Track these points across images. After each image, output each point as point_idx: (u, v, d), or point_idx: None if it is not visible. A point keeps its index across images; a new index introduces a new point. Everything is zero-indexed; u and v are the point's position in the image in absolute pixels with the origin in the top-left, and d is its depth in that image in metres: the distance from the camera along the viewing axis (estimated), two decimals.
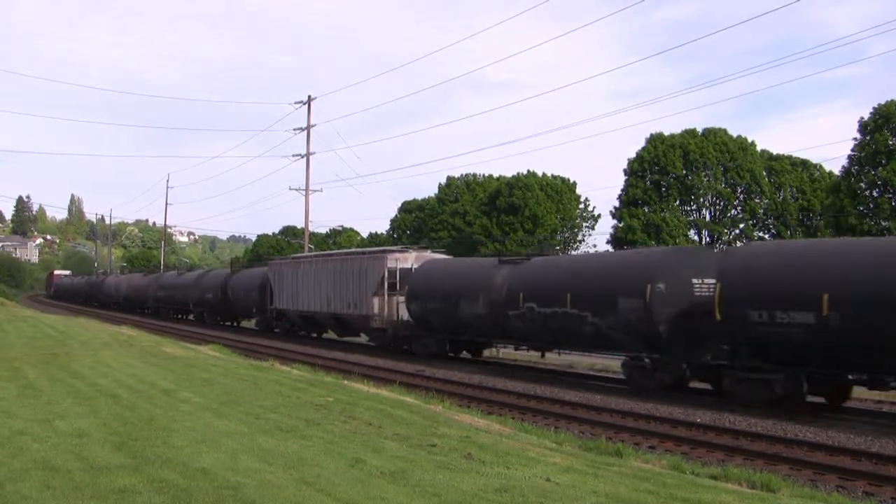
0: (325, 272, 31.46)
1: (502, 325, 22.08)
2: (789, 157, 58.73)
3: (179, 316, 54.30)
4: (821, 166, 57.67)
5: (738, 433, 13.83)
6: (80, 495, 6.74)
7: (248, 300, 39.92)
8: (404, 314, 26.85)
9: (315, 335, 36.37)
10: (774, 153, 59.42)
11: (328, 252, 39.07)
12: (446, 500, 6.94)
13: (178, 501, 6.61)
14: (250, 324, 44.48)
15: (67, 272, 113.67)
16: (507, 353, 27.58)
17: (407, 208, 75.39)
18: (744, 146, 55.74)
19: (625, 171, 57.28)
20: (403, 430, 10.57)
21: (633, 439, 13.57)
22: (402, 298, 26.82)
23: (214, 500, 6.64)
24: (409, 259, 28.16)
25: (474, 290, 23.15)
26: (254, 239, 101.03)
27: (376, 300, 27.79)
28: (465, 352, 26.66)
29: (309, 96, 48.04)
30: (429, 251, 30.59)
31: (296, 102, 48.39)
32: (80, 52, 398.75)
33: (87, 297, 78.85)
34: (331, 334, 35.43)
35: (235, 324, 46.68)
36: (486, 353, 27.42)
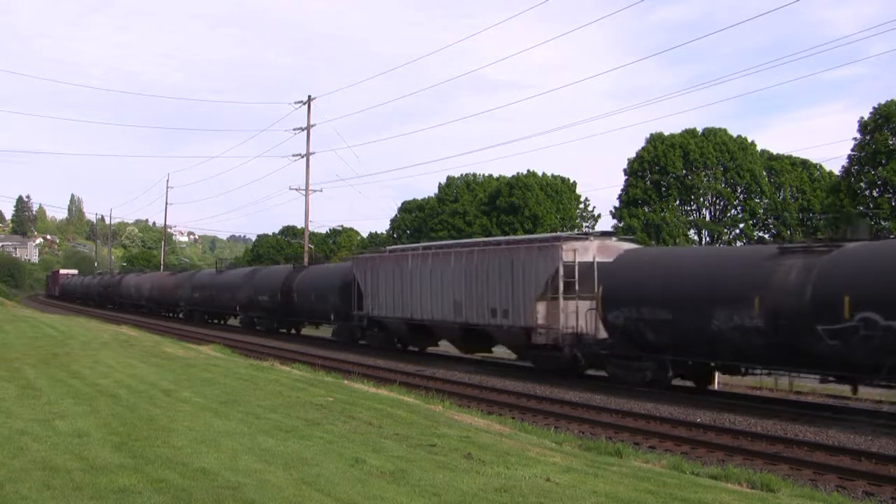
0: (452, 269, 23.73)
1: (800, 346, 15.08)
2: (789, 157, 58.74)
3: (217, 321, 48.23)
4: (821, 166, 57.72)
5: (738, 433, 13.83)
6: (80, 495, 6.74)
7: (322, 304, 32.77)
8: (590, 326, 19.77)
9: (417, 349, 28.65)
10: (774, 153, 59.44)
11: (454, 242, 29.38)
12: (446, 499, 6.94)
13: (178, 501, 6.61)
14: (316, 332, 38.37)
15: (74, 271, 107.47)
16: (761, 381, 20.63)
17: (407, 208, 75.35)
18: (744, 146, 55.73)
19: (625, 170, 57.31)
20: (403, 429, 10.57)
21: (633, 439, 13.57)
22: (585, 304, 19.88)
23: (214, 500, 6.64)
24: (589, 250, 20.55)
25: (741, 293, 15.76)
26: (254, 239, 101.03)
27: (542, 306, 20.35)
28: (683, 378, 19.26)
29: (309, 96, 48.09)
30: (613, 238, 22.86)
31: (296, 102, 48.46)
32: (80, 52, 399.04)
33: (100, 299, 73.41)
34: (444, 347, 29.42)
35: (294, 331, 39.40)
36: (724, 380, 20.66)
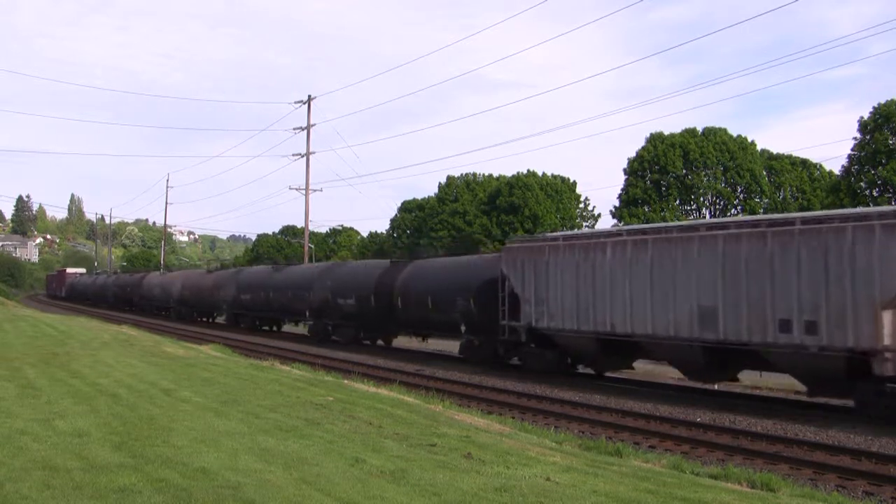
0: (696, 260, 16.81)
1: None
2: (789, 157, 58.77)
3: (269, 328, 41.49)
4: (821, 166, 57.74)
5: (738, 433, 13.83)
6: (80, 495, 6.73)
7: (446, 312, 24.63)
8: None
9: (595, 372, 21.68)
10: (774, 153, 59.48)
11: (695, 223, 20.92)
12: (446, 499, 6.93)
13: (178, 501, 6.61)
14: (416, 344, 31.33)
15: (81, 270, 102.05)
16: None
17: (407, 208, 75.36)
18: (744, 146, 55.75)
19: (625, 170, 57.32)
20: (403, 429, 10.57)
21: (632, 439, 13.57)
22: None
23: (214, 500, 6.64)
24: None
25: None
26: (254, 238, 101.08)
27: (891, 317, 13.83)
28: None
29: (309, 96, 48.12)
30: None
31: (296, 102, 48.53)
32: (80, 52, 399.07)
33: (117, 301, 67.14)
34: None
35: (377, 343, 31.96)
36: None
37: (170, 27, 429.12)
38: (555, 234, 25.40)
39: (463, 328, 24.34)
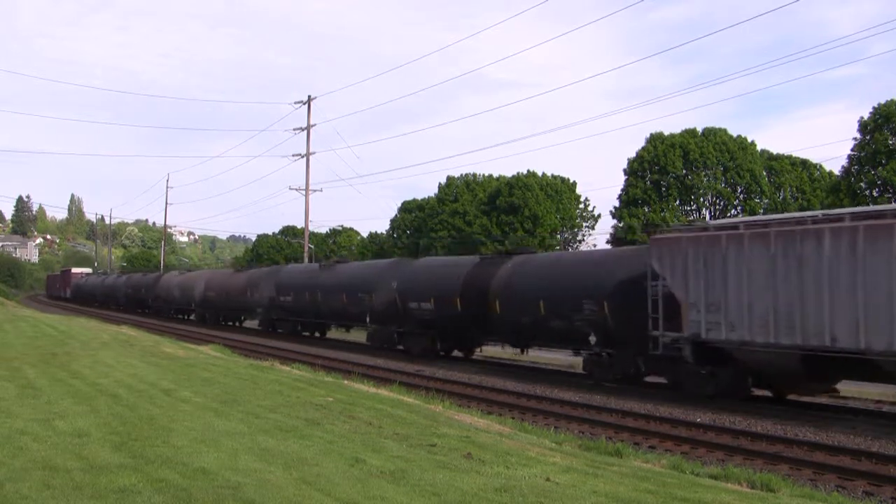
0: None
1: None
2: (789, 157, 58.76)
3: (314, 334, 37.13)
4: (821, 166, 57.74)
5: (738, 433, 13.83)
6: (80, 495, 6.73)
7: (566, 318, 20.31)
8: None
9: (776, 395, 17.97)
10: (774, 153, 59.47)
11: None
12: (446, 499, 6.93)
13: (178, 501, 6.61)
14: (512, 357, 27.35)
15: (87, 270, 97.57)
16: None
17: (407, 208, 75.35)
18: (744, 146, 55.74)
19: (625, 170, 57.30)
20: (403, 429, 10.57)
21: (632, 439, 13.57)
22: None
23: (214, 500, 6.64)
24: None
25: None
26: (254, 239, 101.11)
27: None
28: None
29: (309, 96, 48.15)
30: None
31: (296, 102, 48.54)
32: (80, 52, 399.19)
33: (129, 302, 62.87)
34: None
35: (451, 354, 27.41)
36: None
37: (170, 27, 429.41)
38: (732, 220, 21.92)
39: (592, 339, 19.70)
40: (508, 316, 22.30)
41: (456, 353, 27.68)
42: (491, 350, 28.48)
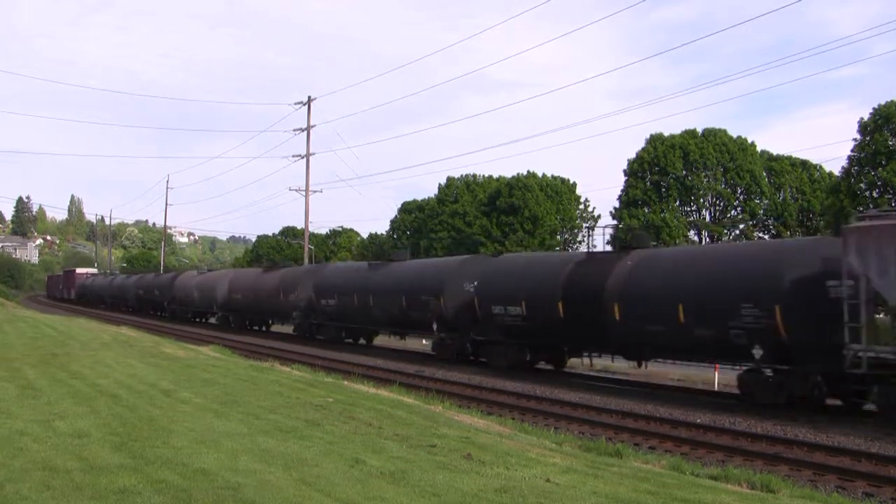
0: None
1: None
2: (789, 158, 58.79)
3: (351, 340, 32.59)
4: (821, 167, 57.77)
5: (738, 434, 13.83)
6: (80, 495, 6.73)
7: (717, 326, 16.63)
8: None
9: None
10: (774, 153, 59.50)
11: None
12: (446, 500, 6.93)
13: (178, 502, 6.61)
14: (622, 371, 23.79)
15: (93, 270, 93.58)
16: None
17: (407, 209, 75.37)
18: (744, 146, 55.77)
19: (625, 171, 57.32)
20: (403, 430, 10.57)
21: (633, 440, 13.57)
22: None
23: (214, 501, 6.64)
24: None
25: None
26: (254, 239, 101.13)
27: None
28: None
29: (309, 97, 48.15)
30: None
31: (296, 103, 48.51)
32: (80, 52, 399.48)
33: (140, 304, 59.26)
34: None
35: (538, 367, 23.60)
36: None
37: (170, 27, 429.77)
38: None
39: (757, 352, 16.03)
40: (631, 323, 18.48)
41: (542, 365, 23.69)
42: (579, 362, 23.99)
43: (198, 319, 50.16)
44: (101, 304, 71.27)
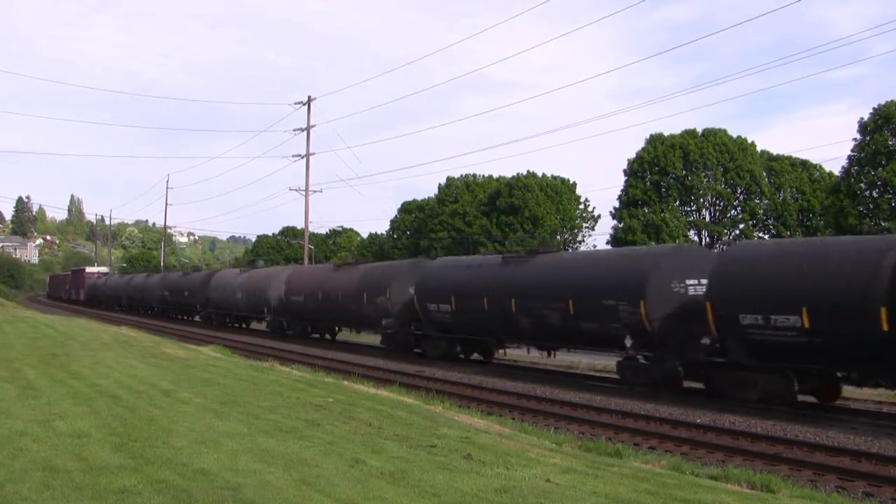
0: None
1: None
2: (789, 158, 58.80)
3: (465, 357, 25.57)
4: (821, 167, 57.79)
5: (738, 434, 13.82)
6: (80, 496, 6.73)
7: None
8: None
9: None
10: (774, 153, 59.51)
11: None
12: (446, 500, 6.93)
13: (178, 502, 6.61)
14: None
15: (104, 269, 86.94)
16: None
17: (407, 209, 75.39)
18: (744, 146, 55.78)
19: (625, 171, 57.32)
20: (403, 430, 10.57)
21: (633, 440, 13.57)
22: None
23: (214, 501, 6.64)
24: None
25: None
26: (254, 239, 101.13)
27: None
28: None
29: (309, 97, 48.14)
30: None
31: (296, 103, 48.48)
32: (80, 52, 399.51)
33: (167, 308, 54.01)
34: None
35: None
36: None
37: (170, 27, 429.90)
38: None
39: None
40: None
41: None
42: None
43: (236, 325, 44.12)
44: (117, 306, 65.76)
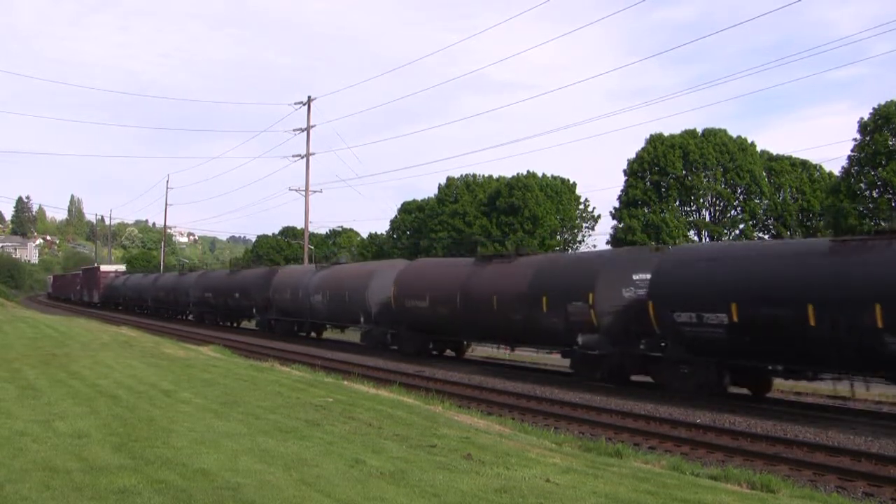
0: None
1: None
2: (789, 158, 58.84)
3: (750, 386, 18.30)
4: (821, 167, 57.84)
5: (738, 434, 13.82)
6: (80, 496, 6.73)
7: None
8: None
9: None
10: (774, 153, 59.54)
11: None
12: (446, 500, 6.93)
13: (177, 502, 6.61)
14: None
15: (121, 267, 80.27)
16: None
17: (407, 209, 75.43)
18: (743, 147, 55.81)
19: (625, 171, 57.36)
20: (403, 430, 10.56)
21: (633, 440, 13.57)
22: None
23: (214, 501, 6.64)
24: None
25: None
26: (254, 240, 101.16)
27: None
28: None
29: (309, 97, 48.14)
30: None
31: (296, 103, 48.49)
32: (81, 53, 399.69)
33: (206, 311, 46.37)
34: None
35: None
36: None
37: (170, 27, 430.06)
38: None
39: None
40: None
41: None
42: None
43: (301, 334, 36.14)
44: (140, 309, 58.91)
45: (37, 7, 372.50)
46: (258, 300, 38.40)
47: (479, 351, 29.29)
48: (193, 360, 19.62)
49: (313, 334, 36.36)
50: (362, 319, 29.73)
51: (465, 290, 24.12)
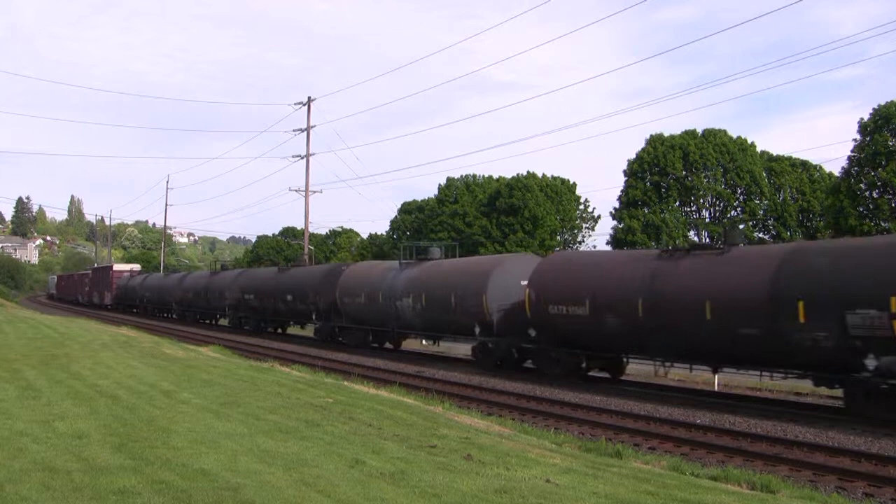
0: None
1: None
2: (789, 158, 58.80)
3: None
4: (821, 167, 57.79)
5: (738, 434, 13.82)
6: (80, 496, 6.73)
7: None
8: None
9: None
10: (774, 154, 59.53)
11: None
12: (446, 501, 6.93)
13: (177, 502, 6.61)
14: None
15: (136, 266, 73.40)
16: None
17: (407, 209, 75.39)
18: (743, 147, 55.78)
19: (624, 171, 57.32)
20: (403, 431, 10.56)
21: (633, 440, 13.56)
22: None
23: (214, 501, 6.64)
24: None
25: None
26: (254, 240, 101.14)
27: None
28: None
29: (309, 97, 48.10)
30: None
31: (296, 103, 48.43)
32: (82, 53, 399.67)
33: (246, 317, 39.19)
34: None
35: None
36: None
37: (172, 28, 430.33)
38: None
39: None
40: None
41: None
42: None
43: (381, 348, 29.76)
44: (162, 313, 53.44)
45: (39, 7, 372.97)
46: (320, 304, 31.83)
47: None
48: (193, 361, 19.62)
49: (388, 344, 30.17)
50: (477, 330, 23.24)
51: (651, 293, 17.82)
